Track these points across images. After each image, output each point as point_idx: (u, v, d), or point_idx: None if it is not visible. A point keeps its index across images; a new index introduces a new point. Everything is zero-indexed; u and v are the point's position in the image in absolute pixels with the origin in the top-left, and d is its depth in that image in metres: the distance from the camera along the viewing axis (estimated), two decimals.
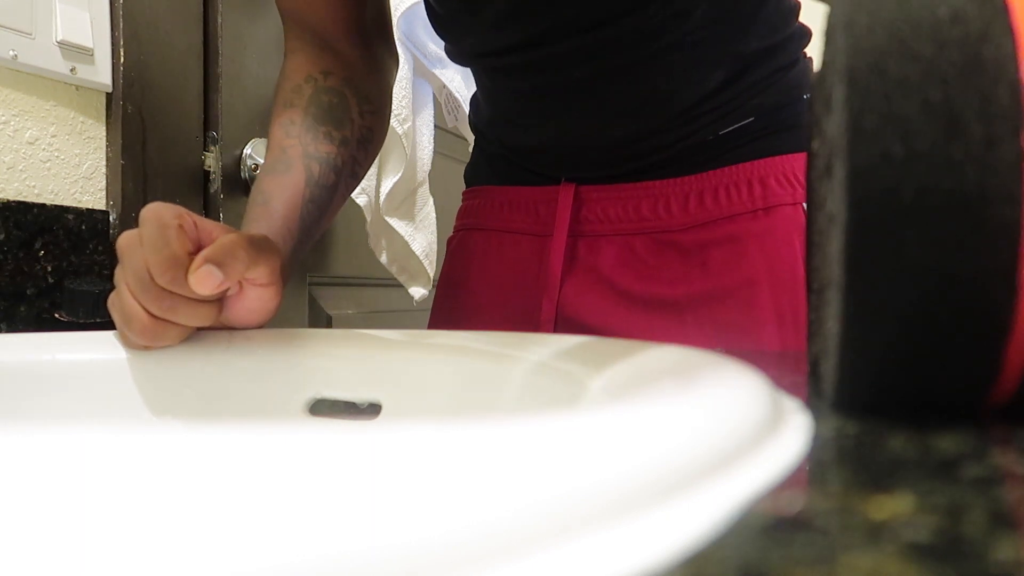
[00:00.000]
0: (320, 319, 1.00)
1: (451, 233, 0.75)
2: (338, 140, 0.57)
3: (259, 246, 0.41)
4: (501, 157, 0.69)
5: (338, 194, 0.57)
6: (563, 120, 0.61)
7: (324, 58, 0.60)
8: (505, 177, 0.68)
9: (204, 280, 0.37)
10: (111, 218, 0.68)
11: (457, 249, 0.72)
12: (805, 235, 0.30)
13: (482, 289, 0.68)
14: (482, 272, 0.68)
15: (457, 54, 0.67)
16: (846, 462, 0.17)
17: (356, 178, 0.60)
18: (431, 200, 1.14)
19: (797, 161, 0.59)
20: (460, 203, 0.75)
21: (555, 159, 0.64)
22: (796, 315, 0.56)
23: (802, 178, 0.58)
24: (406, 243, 1.09)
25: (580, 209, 0.63)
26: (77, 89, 0.67)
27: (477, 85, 0.69)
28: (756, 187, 0.58)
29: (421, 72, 1.09)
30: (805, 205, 0.58)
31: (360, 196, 1.00)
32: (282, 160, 0.54)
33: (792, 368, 0.35)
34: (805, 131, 0.26)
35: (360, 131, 0.59)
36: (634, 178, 0.61)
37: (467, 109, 1.16)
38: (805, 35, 0.63)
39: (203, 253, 0.38)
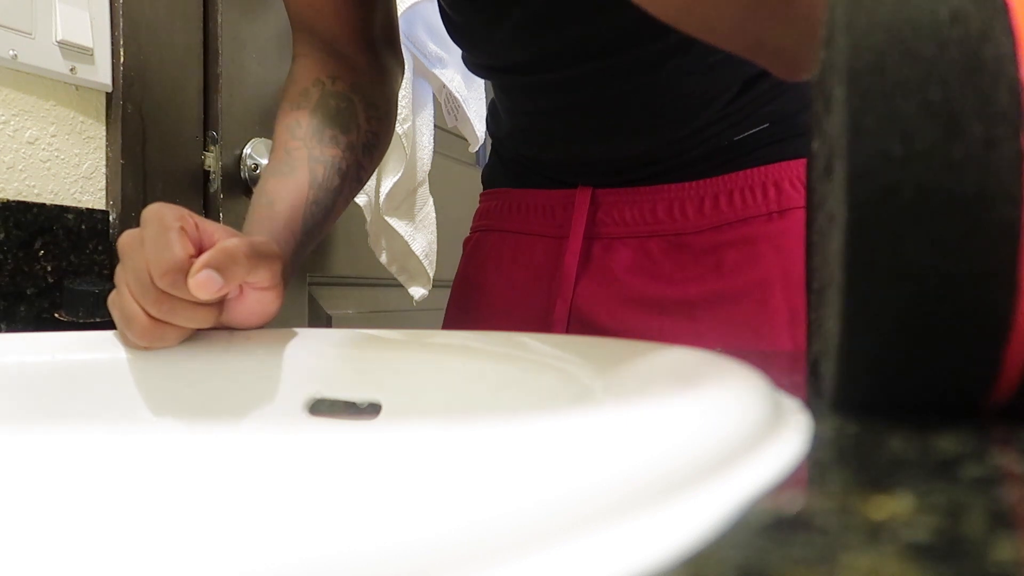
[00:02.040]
0: (320, 319, 1.00)
1: (467, 234, 0.76)
2: (344, 144, 0.57)
3: (260, 250, 0.41)
4: (518, 162, 0.69)
5: (342, 198, 0.57)
6: (581, 138, 0.62)
7: (332, 63, 0.60)
8: (522, 180, 0.69)
9: (204, 285, 0.37)
10: (111, 218, 0.68)
11: (474, 250, 0.73)
12: (806, 236, 0.30)
13: (498, 290, 0.69)
14: (498, 273, 0.69)
15: (475, 66, 0.68)
16: (846, 462, 0.17)
17: (360, 183, 0.60)
18: (431, 200, 1.14)
19: None
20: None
21: (572, 169, 0.65)
22: None
23: None
24: (406, 243, 1.09)
25: (596, 212, 0.63)
26: (77, 89, 0.67)
27: (496, 99, 0.70)
28: (771, 190, 0.59)
29: (421, 72, 1.09)
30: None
31: (360, 196, 1.00)
32: (286, 162, 0.54)
33: (792, 368, 0.35)
34: (812, 129, 0.26)
35: (366, 136, 0.59)
36: (650, 181, 0.61)
37: (467, 109, 1.16)
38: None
39: (203, 258, 0.38)
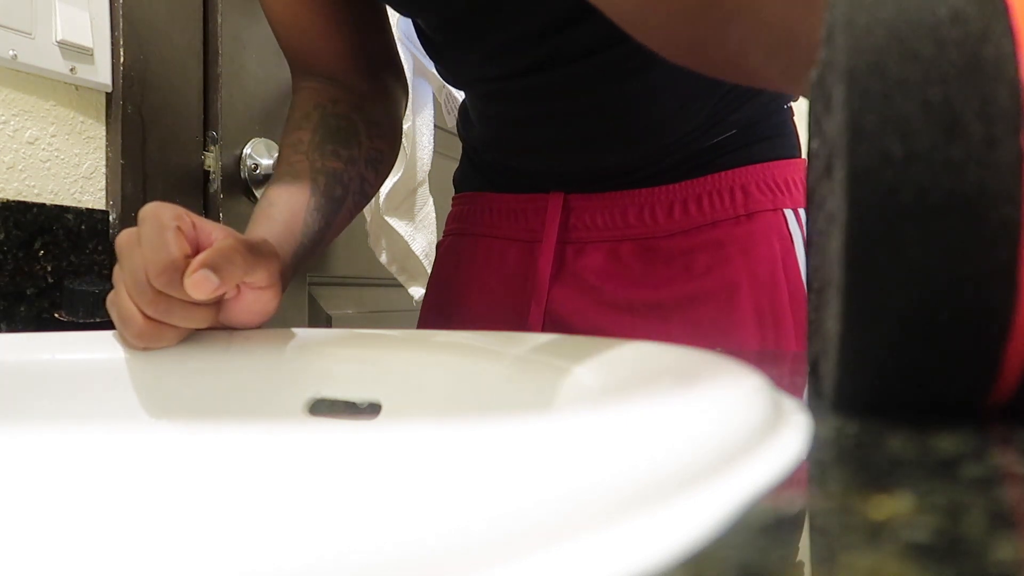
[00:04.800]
0: (320, 319, 1.00)
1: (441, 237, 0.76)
2: (346, 158, 0.58)
3: (257, 250, 0.41)
4: (490, 166, 0.70)
5: (345, 208, 0.57)
6: (555, 148, 0.62)
7: (332, 90, 0.61)
8: (494, 184, 0.69)
9: (200, 285, 0.37)
10: (111, 218, 0.68)
11: (446, 254, 0.73)
12: (805, 236, 0.30)
13: (471, 293, 0.69)
14: (471, 276, 0.69)
15: (448, 78, 0.68)
16: (846, 462, 0.17)
17: (365, 196, 0.61)
18: (431, 200, 1.14)
19: (777, 168, 0.61)
20: None
21: (545, 176, 0.65)
22: (776, 316, 0.58)
23: (782, 184, 0.60)
24: (406, 243, 1.09)
25: (568, 217, 0.64)
26: (77, 89, 0.67)
27: (468, 105, 0.70)
28: (738, 194, 0.60)
29: (421, 72, 1.09)
30: (800, 209, 0.60)
31: None
32: (289, 172, 0.55)
33: (792, 368, 0.35)
34: (812, 129, 0.26)
35: (368, 152, 0.60)
36: (621, 187, 0.62)
37: None
38: None
39: (200, 257, 0.38)
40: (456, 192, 0.75)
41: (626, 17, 0.38)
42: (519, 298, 0.66)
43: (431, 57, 0.67)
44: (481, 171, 0.71)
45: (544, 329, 0.64)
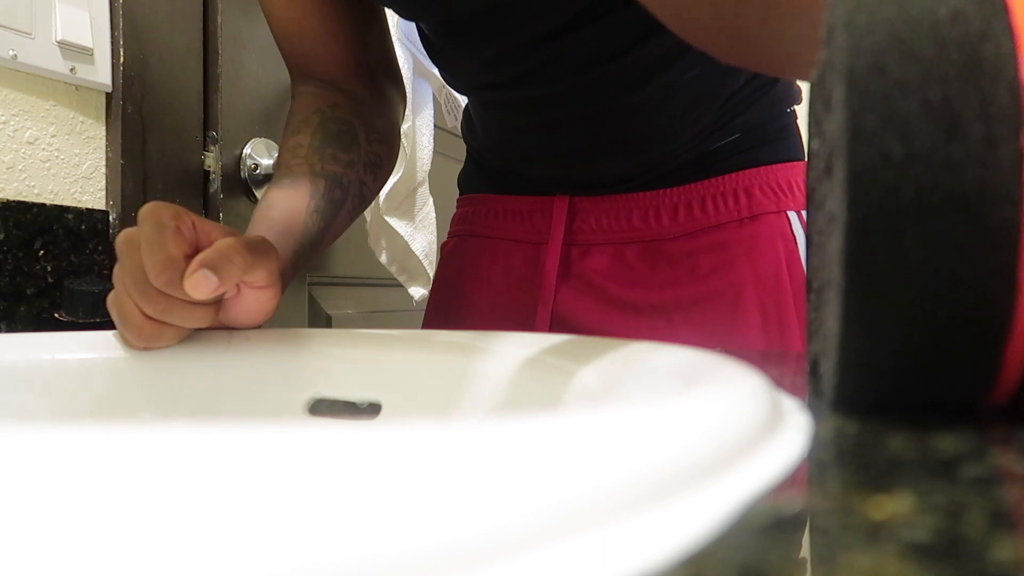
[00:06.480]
0: (320, 319, 1.00)
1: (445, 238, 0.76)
2: (344, 162, 0.58)
3: (256, 250, 0.41)
4: (495, 170, 0.70)
5: (344, 211, 0.58)
6: (560, 156, 0.63)
7: (331, 95, 0.62)
8: (499, 186, 0.70)
9: (199, 284, 0.37)
10: (111, 218, 0.68)
11: (451, 255, 0.73)
12: (805, 236, 0.30)
13: (477, 294, 0.69)
14: (477, 278, 0.69)
15: (452, 83, 0.69)
16: (846, 462, 0.17)
17: (364, 200, 0.61)
18: (431, 200, 1.14)
19: (781, 171, 0.61)
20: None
21: (549, 180, 0.65)
22: (780, 317, 0.58)
23: (785, 186, 0.61)
24: (406, 243, 1.09)
25: (574, 219, 0.64)
26: (77, 89, 0.67)
27: (472, 111, 0.70)
28: (742, 197, 0.60)
29: (421, 72, 1.09)
30: (803, 211, 0.60)
31: None
32: (288, 176, 0.56)
33: (792, 368, 0.35)
34: (812, 129, 0.26)
35: (367, 156, 0.60)
36: (626, 190, 0.63)
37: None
38: None
39: (199, 257, 0.38)
40: (461, 193, 0.76)
41: (673, 13, 0.38)
42: (525, 300, 0.66)
43: (433, 61, 0.67)
44: (486, 174, 0.71)
45: (551, 331, 0.64)
